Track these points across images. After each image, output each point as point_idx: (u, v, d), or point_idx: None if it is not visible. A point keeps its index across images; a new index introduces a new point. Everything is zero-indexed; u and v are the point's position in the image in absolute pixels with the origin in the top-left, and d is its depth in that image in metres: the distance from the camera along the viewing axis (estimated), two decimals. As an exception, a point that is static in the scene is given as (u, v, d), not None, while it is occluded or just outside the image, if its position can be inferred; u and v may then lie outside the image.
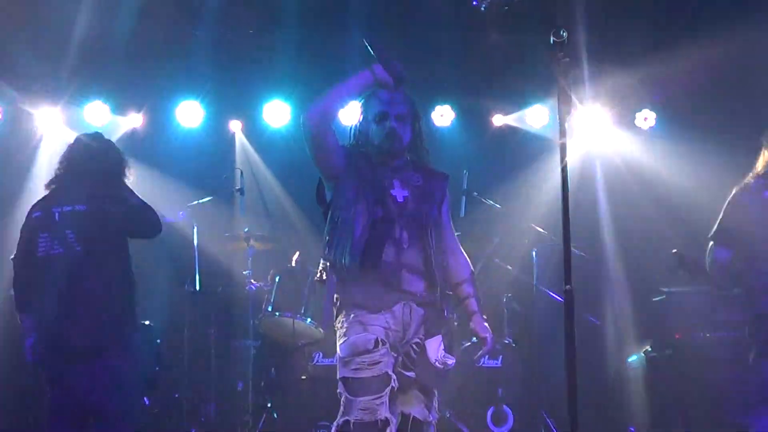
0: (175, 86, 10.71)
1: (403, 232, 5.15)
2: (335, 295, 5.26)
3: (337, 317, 5.22)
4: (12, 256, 6.36)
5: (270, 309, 9.50)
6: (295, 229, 10.31)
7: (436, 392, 5.27)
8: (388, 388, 4.93)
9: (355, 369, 4.95)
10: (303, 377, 9.14)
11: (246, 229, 9.81)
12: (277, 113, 10.84)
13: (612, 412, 10.03)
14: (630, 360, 9.84)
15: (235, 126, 11.16)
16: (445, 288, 5.32)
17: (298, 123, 5.30)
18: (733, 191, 6.40)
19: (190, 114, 10.71)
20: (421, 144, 5.48)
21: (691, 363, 8.16)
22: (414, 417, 5.11)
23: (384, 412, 4.89)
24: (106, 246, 6.14)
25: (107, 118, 10.52)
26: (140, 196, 6.44)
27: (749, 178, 6.37)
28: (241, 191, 9.87)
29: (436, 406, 5.28)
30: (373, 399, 4.88)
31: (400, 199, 5.22)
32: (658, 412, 8.58)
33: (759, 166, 6.41)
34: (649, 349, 8.81)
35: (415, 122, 5.44)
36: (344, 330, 5.10)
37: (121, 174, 6.45)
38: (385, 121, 5.28)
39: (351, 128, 5.48)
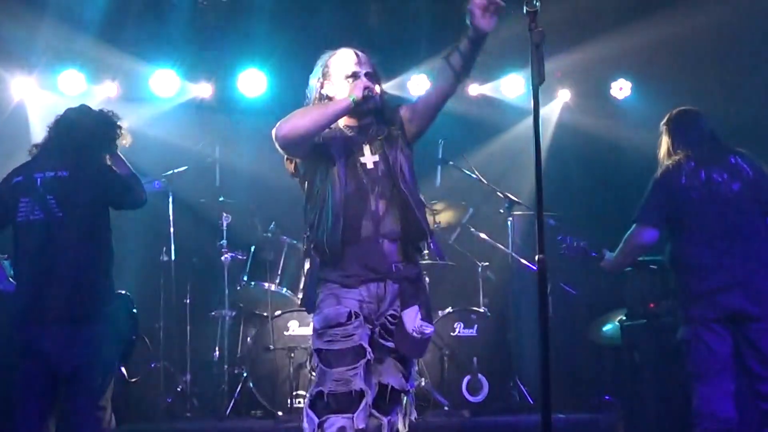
0: (151, 55, 10.64)
1: (379, 201, 5.09)
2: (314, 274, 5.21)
3: (316, 285, 5.18)
4: None
5: (246, 278, 9.50)
6: (271, 198, 10.28)
7: (414, 361, 5.28)
8: (363, 360, 4.92)
9: (329, 341, 4.93)
10: (279, 347, 9.15)
11: (221, 199, 9.80)
12: (253, 82, 10.80)
13: (587, 381, 10.10)
14: (605, 329, 9.88)
15: (211, 95, 11.07)
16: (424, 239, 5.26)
17: (272, 137, 5.19)
18: (658, 172, 6.50)
19: (165, 83, 10.64)
20: (385, 101, 5.36)
21: (665, 332, 8.19)
22: (392, 387, 5.09)
23: (359, 383, 4.87)
24: (87, 213, 6.07)
25: (82, 87, 10.46)
26: (129, 166, 6.41)
27: (673, 159, 6.47)
28: (217, 161, 9.84)
29: (414, 374, 5.28)
30: (347, 370, 4.86)
31: (370, 166, 5.15)
32: (633, 381, 8.62)
33: (666, 150, 6.58)
34: (624, 318, 8.84)
35: (379, 81, 5.35)
36: (319, 302, 5.08)
37: (109, 143, 6.40)
38: (358, 81, 5.17)
39: (315, 90, 5.36)
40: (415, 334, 5.05)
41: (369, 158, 5.16)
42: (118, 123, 6.48)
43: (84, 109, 6.48)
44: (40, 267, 5.99)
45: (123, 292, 6.72)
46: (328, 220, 5.02)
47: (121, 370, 8.42)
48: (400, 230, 5.12)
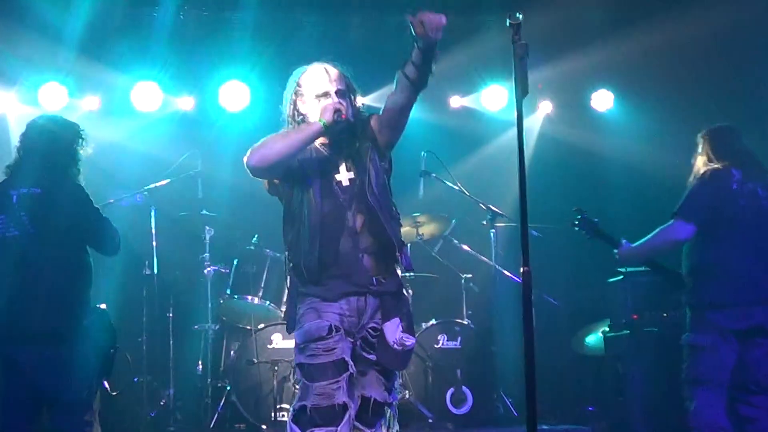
0: (132, 68, 10.62)
1: (356, 217, 5.11)
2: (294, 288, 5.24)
3: (295, 301, 5.22)
4: None
5: (228, 292, 9.49)
6: (254, 211, 10.26)
7: (397, 373, 5.27)
8: (346, 374, 4.94)
9: (311, 355, 4.96)
10: (262, 360, 9.13)
11: (204, 212, 9.78)
12: (235, 95, 10.77)
13: (570, 392, 10.11)
14: (588, 340, 9.90)
15: (193, 108, 11.06)
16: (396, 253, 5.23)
17: (243, 164, 5.22)
18: (707, 172, 6.49)
19: (147, 96, 10.61)
20: (359, 113, 5.37)
21: (649, 343, 8.21)
22: (374, 399, 5.10)
23: (341, 397, 4.89)
24: (59, 229, 6.08)
25: (64, 101, 10.43)
26: (99, 209, 6.41)
27: (721, 164, 6.47)
28: (200, 174, 9.82)
29: (397, 387, 5.28)
30: (329, 384, 4.88)
31: (346, 183, 5.16)
32: (617, 392, 8.63)
33: (705, 159, 6.60)
34: (607, 330, 8.85)
35: (353, 94, 5.37)
36: (299, 317, 5.11)
37: (75, 154, 6.38)
38: (327, 100, 5.19)
39: (289, 108, 5.37)
40: (396, 346, 5.06)
41: (344, 175, 5.18)
42: (81, 132, 6.48)
43: (45, 122, 6.49)
44: (15, 284, 6.00)
45: (102, 306, 6.69)
46: (305, 242, 5.06)
47: (103, 384, 8.39)
48: (379, 247, 5.13)
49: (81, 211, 6.20)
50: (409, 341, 5.12)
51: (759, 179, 6.42)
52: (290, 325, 5.22)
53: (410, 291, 5.50)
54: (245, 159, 5.15)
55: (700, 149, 6.74)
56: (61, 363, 5.94)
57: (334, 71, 5.28)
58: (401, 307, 5.19)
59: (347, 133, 5.24)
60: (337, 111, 5.06)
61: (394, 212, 5.27)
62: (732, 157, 6.51)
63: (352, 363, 5.00)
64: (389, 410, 5.21)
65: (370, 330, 5.11)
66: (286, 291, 5.42)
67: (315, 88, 5.24)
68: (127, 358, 9.15)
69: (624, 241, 6.91)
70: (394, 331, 5.08)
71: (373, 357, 5.11)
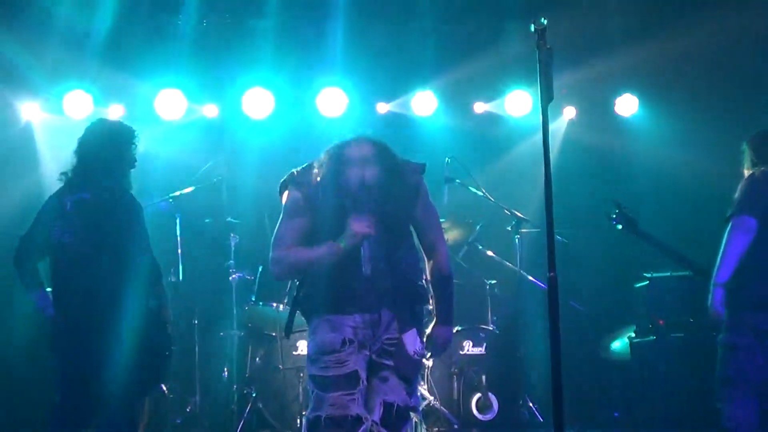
0: (157, 76, 10.65)
1: (368, 254, 5.13)
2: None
3: (307, 315, 5.28)
4: (22, 234, 6.48)
5: (253, 299, 9.49)
6: (278, 217, 10.25)
7: (417, 377, 5.31)
8: (360, 387, 4.98)
9: (323, 367, 5.00)
10: (287, 366, 9.13)
11: (228, 219, 9.79)
12: (258, 101, 10.78)
13: (596, 398, 10.07)
14: (614, 346, 9.87)
15: (218, 116, 11.09)
16: (415, 297, 5.29)
17: (268, 265, 5.32)
18: (755, 172, 6.47)
19: (171, 103, 10.63)
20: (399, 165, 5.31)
21: (675, 348, 8.18)
22: (397, 405, 5.11)
23: (355, 409, 4.92)
24: (111, 233, 6.20)
25: (89, 109, 10.48)
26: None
27: (763, 167, 6.46)
28: (224, 182, 9.85)
29: (418, 391, 5.37)
30: (344, 395, 4.92)
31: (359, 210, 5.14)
32: (643, 398, 8.60)
33: (750, 163, 6.57)
34: (633, 335, 8.82)
35: (386, 163, 5.25)
36: (313, 329, 5.17)
37: (128, 156, 6.51)
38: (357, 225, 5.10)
39: (317, 169, 5.26)
40: (415, 356, 5.12)
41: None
42: (134, 137, 6.59)
43: (97, 127, 6.59)
44: (72, 289, 6.15)
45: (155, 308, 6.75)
46: (316, 277, 5.15)
47: (161, 387, 8.49)
48: (391, 282, 5.16)
49: (126, 219, 6.30)
50: (427, 353, 5.28)
51: None
52: (288, 328, 5.32)
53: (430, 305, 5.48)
54: (270, 263, 5.24)
55: (744, 157, 6.69)
56: (109, 366, 6.05)
57: (372, 178, 5.14)
58: (418, 317, 5.27)
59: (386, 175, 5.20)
60: (364, 236, 5.04)
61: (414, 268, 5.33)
62: None
63: (364, 376, 5.04)
64: (414, 415, 5.23)
65: (386, 341, 5.14)
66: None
67: (348, 195, 5.14)
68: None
69: (714, 287, 6.42)
70: (413, 341, 5.14)
71: (391, 363, 5.13)
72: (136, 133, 6.61)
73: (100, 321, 6.07)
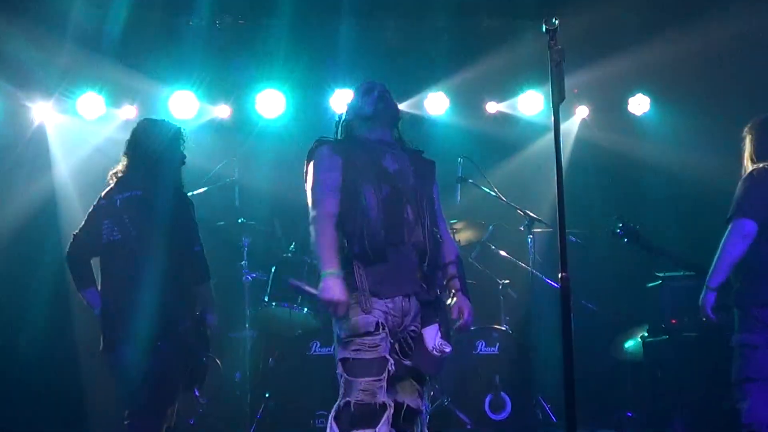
0: (169, 76, 10.68)
1: (408, 208, 5.25)
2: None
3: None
4: (74, 232, 6.51)
5: (266, 299, 9.50)
6: (291, 218, 10.27)
7: (430, 380, 5.32)
8: (386, 373, 4.98)
9: (356, 350, 4.99)
10: (300, 367, 9.14)
11: (241, 220, 9.80)
12: (271, 102, 10.81)
13: (609, 398, 10.06)
14: (626, 345, 9.85)
15: (230, 116, 11.11)
16: (440, 272, 5.41)
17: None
18: (754, 170, 6.41)
19: (184, 104, 10.66)
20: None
21: (688, 348, 8.17)
22: (408, 405, 5.15)
23: (382, 396, 4.94)
24: (160, 231, 6.26)
25: (101, 110, 10.54)
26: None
27: (761, 164, 6.41)
28: (237, 182, 9.86)
29: (428, 395, 5.32)
30: (374, 380, 4.93)
31: (391, 170, 5.32)
32: (655, 398, 8.59)
33: (749, 156, 6.51)
34: (646, 335, 8.81)
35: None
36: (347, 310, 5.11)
37: (176, 153, 6.58)
38: (374, 90, 5.52)
39: (341, 121, 5.63)
40: (435, 352, 5.15)
41: (390, 164, 5.36)
42: (182, 135, 6.66)
43: (145, 127, 6.65)
44: (120, 287, 6.22)
45: (198, 312, 6.79)
46: (366, 222, 5.16)
47: (195, 391, 8.53)
48: (426, 245, 5.25)
49: (178, 215, 6.42)
50: (448, 348, 5.21)
51: None
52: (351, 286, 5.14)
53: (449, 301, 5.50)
54: (311, 220, 5.29)
55: (745, 145, 6.62)
56: (153, 367, 6.11)
57: (382, 86, 5.66)
58: (440, 313, 5.28)
59: (395, 138, 5.56)
60: (330, 307, 5.05)
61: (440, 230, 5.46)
62: None
63: (392, 361, 5.03)
64: (422, 417, 5.25)
65: (410, 332, 5.18)
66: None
67: (362, 86, 5.67)
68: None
69: (707, 290, 6.42)
70: (433, 336, 5.17)
71: (408, 363, 5.15)
72: (183, 130, 6.68)
73: (149, 321, 6.12)
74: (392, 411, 5.03)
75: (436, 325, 5.21)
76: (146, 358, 6.08)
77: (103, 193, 6.48)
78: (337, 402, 5.03)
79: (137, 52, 10.34)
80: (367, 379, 4.93)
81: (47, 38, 9.81)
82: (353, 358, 5.00)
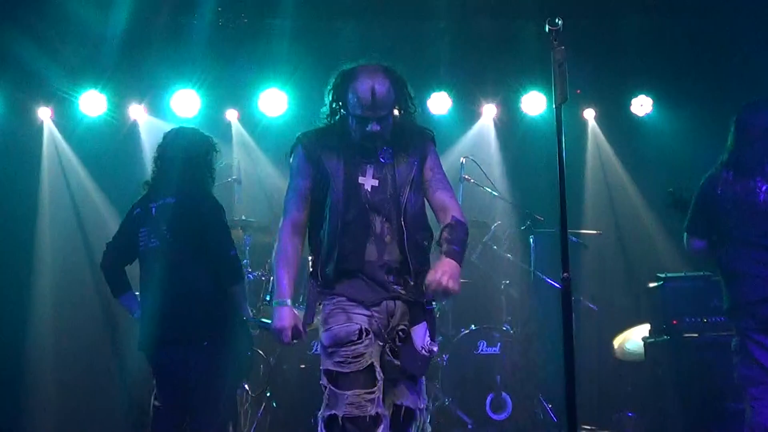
0: (172, 75, 10.69)
1: (384, 224, 5.03)
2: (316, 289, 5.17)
3: (318, 298, 5.15)
4: (108, 241, 6.66)
5: (268, 298, 9.50)
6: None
7: (422, 378, 5.18)
8: (378, 382, 4.85)
9: (339, 362, 4.85)
10: (302, 366, 9.15)
11: (243, 218, 9.81)
12: (274, 102, 10.83)
13: (610, 398, 10.07)
14: (628, 345, 9.86)
15: (232, 115, 11.17)
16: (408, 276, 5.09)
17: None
18: (702, 183, 6.43)
19: (186, 103, 10.68)
20: (405, 113, 5.28)
21: (689, 348, 8.18)
22: (406, 407, 5.04)
23: (374, 408, 4.79)
24: (197, 237, 6.32)
25: (103, 108, 10.56)
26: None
27: (716, 168, 6.40)
28: (238, 180, 9.87)
29: (425, 391, 5.21)
30: (364, 392, 4.79)
31: (366, 187, 5.05)
32: (656, 398, 8.60)
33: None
34: (647, 335, 8.82)
35: (399, 104, 5.21)
36: (326, 317, 5.02)
37: (208, 164, 6.65)
38: (366, 126, 5.03)
39: (331, 107, 5.27)
40: (423, 351, 5.04)
41: (368, 181, 5.09)
42: (214, 144, 6.77)
43: (180, 134, 6.74)
44: (160, 292, 6.27)
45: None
46: (327, 245, 5.03)
47: (244, 386, 8.60)
48: (405, 260, 5.04)
49: (211, 221, 6.41)
50: (435, 347, 5.11)
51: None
52: (308, 317, 5.18)
53: (443, 301, 5.42)
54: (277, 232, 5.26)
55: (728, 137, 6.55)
56: (205, 364, 6.22)
57: (382, 89, 5.02)
58: (427, 313, 5.12)
59: (386, 141, 5.15)
60: (278, 336, 5.18)
61: (419, 234, 5.14)
62: (736, 152, 6.40)
63: (380, 370, 4.90)
64: (423, 415, 5.14)
65: (399, 332, 5.05)
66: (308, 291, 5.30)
67: (357, 109, 5.04)
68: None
69: None
70: (422, 335, 5.04)
71: (398, 363, 5.01)
72: (214, 140, 6.80)
73: (188, 321, 6.22)
74: (389, 420, 4.90)
75: (424, 323, 5.06)
76: (195, 358, 6.19)
77: (136, 202, 6.59)
78: (321, 413, 4.90)
79: (140, 50, 10.34)
80: (354, 391, 4.78)
81: (51, 37, 9.84)
82: (337, 371, 4.85)
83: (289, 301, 5.10)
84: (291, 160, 5.30)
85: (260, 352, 9.11)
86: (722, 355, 7.68)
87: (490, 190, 9.66)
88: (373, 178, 5.09)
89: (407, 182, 5.10)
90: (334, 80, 5.29)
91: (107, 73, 10.45)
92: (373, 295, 4.99)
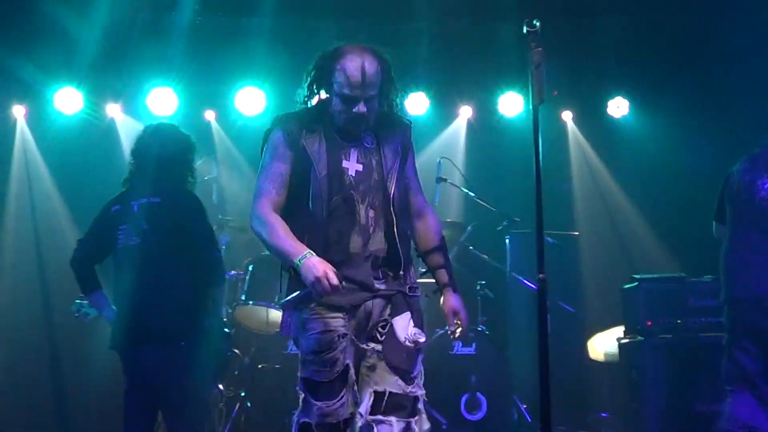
0: (149, 73, 10.66)
1: (369, 213, 4.85)
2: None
3: (297, 306, 4.84)
4: (80, 237, 6.64)
5: (244, 297, 9.49)
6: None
7: (418, 364, 4.91)
8: (348, 384, 4.73)
9: (316, 371, 4.70)
10: (277, 366, 9.15)
11: (220, 217, 9.79)
12: (251, 101, 10.81)
13: (585, 399, 10.10)
14: (603, 347, 9.89)
15: (210, 114, 11.16)
16: (412, 267, 5.01)
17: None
18: (729, 171, 6.48)
19: (163, 101, 10.65)
20: (390, 104, 5.12)
21: (663, 349, 8.21)
22: (390, 392, 4.76)
23: (345, 412, 4.71)
24: (179, 236, 6.28)
25: (79, 106, 10.52)
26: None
27: (744, 159, 6.45)
28: (216, 179, 9.85)
29: (420, 380, 4.94)
30: (335, 401, 4.69)
31: (350, 173, 4.85)
32: (631, 399, 8.63)
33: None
34: (621, 336, 8.85)
35: (385, 91, 5.02)
36: (303, 324, 4.80)
37: (189, 163, 6.65)
38: (353, 106, 4.83)
39: (311, 88, 5.07)
40: (407, 342, 4.82)
41: (352, 165, 4.90)
42: (194, 142, 6.78)
43: (159, 131, 6.70)
44: (139, 290, 6.22)
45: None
46: (309, 231, 4.79)
47: (218, 386, 8.58)
48: (390, 251, 4.89)
49: (196, 221, 6.40)
50: (422, 338, 4.84)
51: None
52: (284, 329, 4.95)
53: (425, 295, 5.27)
54: (251, 216, 4.95)
55: None
56: (181, 364, 6.15)
57: (372, 69, 4.85)
58: (412, 302, 4.93)
59: (374, 125, 4.99)
60: (321, 288, 4.55)
61: (406, 224, 5.02)
62: (761, 146, 6.45)
63: (353, 371, 4.76)
64: (415, 403, 4.86)
65: (379, 327, 4.85)
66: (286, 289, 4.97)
67: (345, 88, 4.82)
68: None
69: None
70: (405, 326, 4.83)
71: (379, 347, 4.83)
72: (193, 139, 6.80)
73: (165, 320, 6.16)
74: (368, 406, 4.72)
75: (408, 313, 4.85)
76: (172, 357, 6.13)
77: (113, 199, 6.53)
78: (296, 416, 4.81)
79: (117, 48, 10.29)
80: (326, 402, 4.67)
81: (25, 35, 9.80)
82: (312, 380, 4.72)
83: (309, 252, 4.62)
84: (267, 143, 5.08)
85: (236, 351, 9.11)
86: (696, 356, 7.75)
87: (466, 190, 9.66)
88: (357, 162, 4.90)
89: (394, 169, 4.96)
90: (316, 61, 5.08)
91: (84, 71, 10.40)
92: (352, 299, 4.77)
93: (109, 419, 6.42)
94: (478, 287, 9.82)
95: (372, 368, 4.83)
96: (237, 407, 9.11)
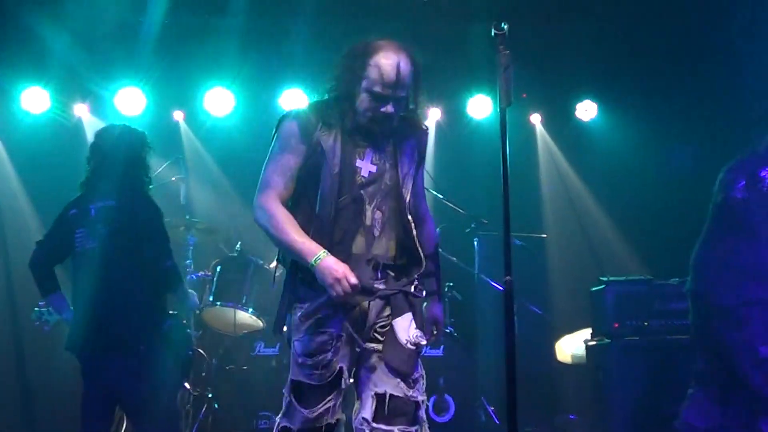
0: (117, 73, 10.61)
1: (375, 215, 4.72)
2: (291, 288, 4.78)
3: (291, 305, 4.75)
4: (38, 239, 6.60)
5: (211, 299, 9.45)
6: (238, 218, 10.24)
7: (418, 367, 4.78)
8: (339, 387, 4.62)
9: (308, 374, 4.59)
10: (244, 367, 9.12)
11: (187, 217, 9.75)
12: (220, 101, 10.77)
13: (552, 401, 10.12)
14: (570, 349, 9.91)
15: (178, 114, 11.12)
16: (419, 269, 4.83)
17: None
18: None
19: (131, 101, 10.60)
20: (414, 108, 4.94)
21: (629, 351, 8.24)
22: (391, 395, 4.61)
23: (331, 416, 4.63)
24: (135, 239, 6.28)
25: (46, 105, 10.45)
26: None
27: None
28: (184, 179, 9.81)
29: (421, 384, 4.79)
30: (319, 407, 4.59)
31: (363, 174, 4.71)
32: (598, 401, 8.65)
33: None
34: (589, 338, 8.87)
35: (412, 95, 4.87)
36: (297, 325, 4.70)
37: (144, 163, 6.61)
38: (382, 105, 4.68)
39: (338, 81, 4.80)
40: (409, 345, 4.68)
41: (366, 164, 4.75)
42: (148, 141, 6.72)
43: (111, 133, 6.67)
44: (95, 295, 6.20)
45: (173, 312, 6.83)
46: (311, 229, 4.63)
47: (185, 386, 8.55)
48: (393, 256, 4.77)
49: (149, 228, 6.41)
50: (424, 340, 4.73)
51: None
52: (278, 325, 4.81)
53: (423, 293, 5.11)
54: (254, 207, 4.73)
55: None
56: (141, 370, 6.16)
57: (407, 69, 4.71)
58: (414, 302, 4.80)
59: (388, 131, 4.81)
60: (341, 289, 4.46)
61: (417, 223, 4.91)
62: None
63: (347, 375, 4.65)
64: (417, 409, 4.71)
65: (378, 328, 4.72)
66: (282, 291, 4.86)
67: (377, 86, 4.64)
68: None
69: None
70: (406, 327, 4.69)
71: (379, 347, 4.69)
72: (147, 137, 6.72)
73: (124, 325, 6.16)
74: (371, 410, 4.58)
75: (409, 314, 4.72)
76: (131, 364, 6.14)
77: (71, 202, 6.50)
78: (278, 420, 4.72)
79: (85, 47, 10.23)
80: (311, 409, 4.58)
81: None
82: (302, 384, 4.63)
83: (324, 252, 4.50)
84: (279, 132, 4.83)
85: (202, 352, 9.08)
86: (662, 358, 7.78)
87: (435, 192, 9.66)
88: (371, 163, 4.75)
89: (410, 174, 4.88)
90: (350, 50, 4.81)
91: (51, 70, 10.34)
92: (350, 300, 4.59)
93: (77, 420, 6.36)
94: (446, 289, 9.82)
95: (372, 369, 4.70)
96: (204, 408, 9.06)
